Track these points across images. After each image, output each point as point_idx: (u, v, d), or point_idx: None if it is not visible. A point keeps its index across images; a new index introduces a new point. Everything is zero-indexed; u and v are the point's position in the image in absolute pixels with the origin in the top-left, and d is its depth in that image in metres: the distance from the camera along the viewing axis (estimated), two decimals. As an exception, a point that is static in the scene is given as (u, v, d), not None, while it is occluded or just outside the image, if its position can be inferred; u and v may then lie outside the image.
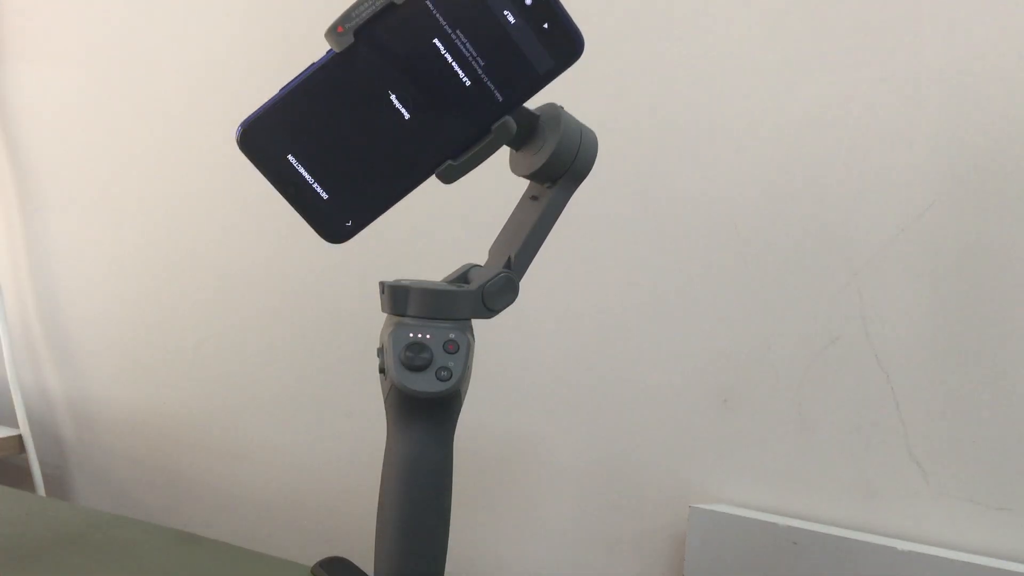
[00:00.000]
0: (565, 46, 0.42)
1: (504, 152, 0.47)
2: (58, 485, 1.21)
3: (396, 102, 0.42)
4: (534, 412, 0.84)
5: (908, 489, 0.68)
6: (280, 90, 0.42)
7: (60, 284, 1.17)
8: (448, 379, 0.44)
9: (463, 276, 0.49)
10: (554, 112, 0.47)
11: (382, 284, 0.47)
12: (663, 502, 0.78)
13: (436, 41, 0.41)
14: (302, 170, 0.42)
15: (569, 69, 0.43)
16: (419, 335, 0.44)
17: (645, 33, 0.75)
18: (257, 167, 0.42)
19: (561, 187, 0.47)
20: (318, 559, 0.71)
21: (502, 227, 0.51)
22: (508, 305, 0.47)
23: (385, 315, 0.48)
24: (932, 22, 0.65)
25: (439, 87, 0.42)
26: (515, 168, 0.49)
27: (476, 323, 0.47)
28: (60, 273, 1.17)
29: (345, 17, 0.41)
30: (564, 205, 0.48)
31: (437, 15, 0.41)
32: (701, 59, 0.73)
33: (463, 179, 0.44)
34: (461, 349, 0.45)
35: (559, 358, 0.82)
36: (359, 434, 0.95)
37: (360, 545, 0.71)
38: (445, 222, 0.86)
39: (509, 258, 0.47)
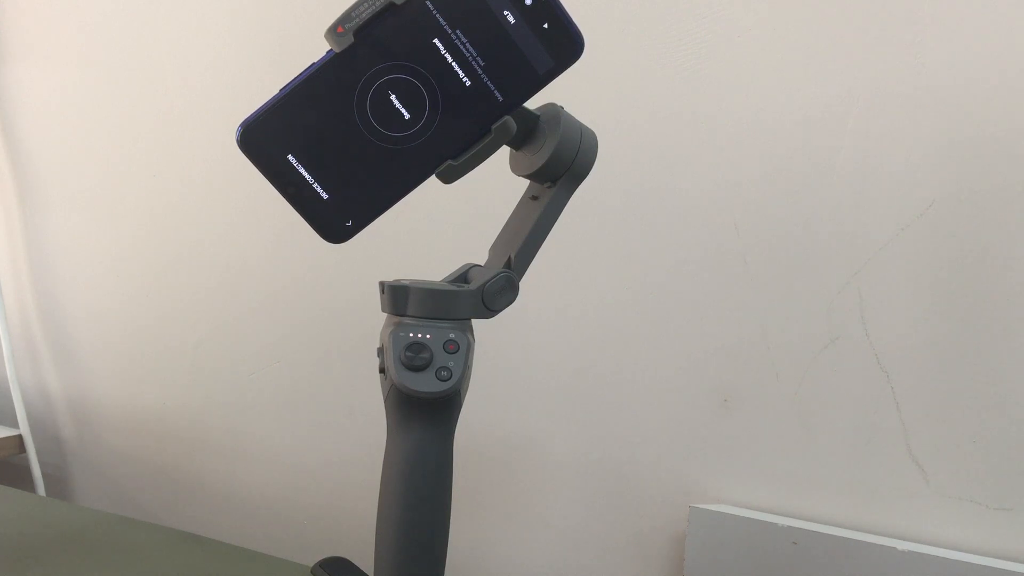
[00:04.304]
0: (565, 46, 0.42)
1: (504, 152, 0.47)
2: (58, 485, 1.21)
3: (396, 102, 0.42)
4: (534, 412, 0.84)
5: (908, 489, 0.68)
6: (280, 90, 0.42)
7: (60, 284, 1.17)
8: (448, 379, 0.44)
9: (463, 276, 0.49)
10: (554, 112, 0.47)
11: (382, 284, 0.47)
12: (663, 502, 0.78)
13: (436, 41, 0.41)
14: (302, 170, 0.42)
15: (569, 69, 0.43)
16: (419, 335, 0.44)
17: (645, 33, 0.75)
18: (257, 167, 0.42)
19: (561, 187, 0.47)
20: (318, 559, 0.71)
21: (502, 227, 0.51)
22: (508, 305, 0.47)
23: (385, 315, 0.48)
24: (932, 22, 0.65)
25: (439, 87, 0.42)
26: (515, 168, 0.49)
27: (476, 323, 0.47)
28: (60, 272, 1.17)
29: (345, 17, 0.41)
30: (564, 205, 0.48)
31: (437, 15, 0.41)
32: (701, 59, 0.73)
33: (463, 179, 0.44)
34: (461, 349, 0.44)
35: (559, 358, 0.82)
36: (359, 434, 0.95)
37: (360, 545, 0.71)
38: (445, 222, 0.86)
39: (509, 258, 0.47)
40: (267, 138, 0.42)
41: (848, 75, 0.68)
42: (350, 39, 0.41)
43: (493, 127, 0.43)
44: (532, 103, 0.45)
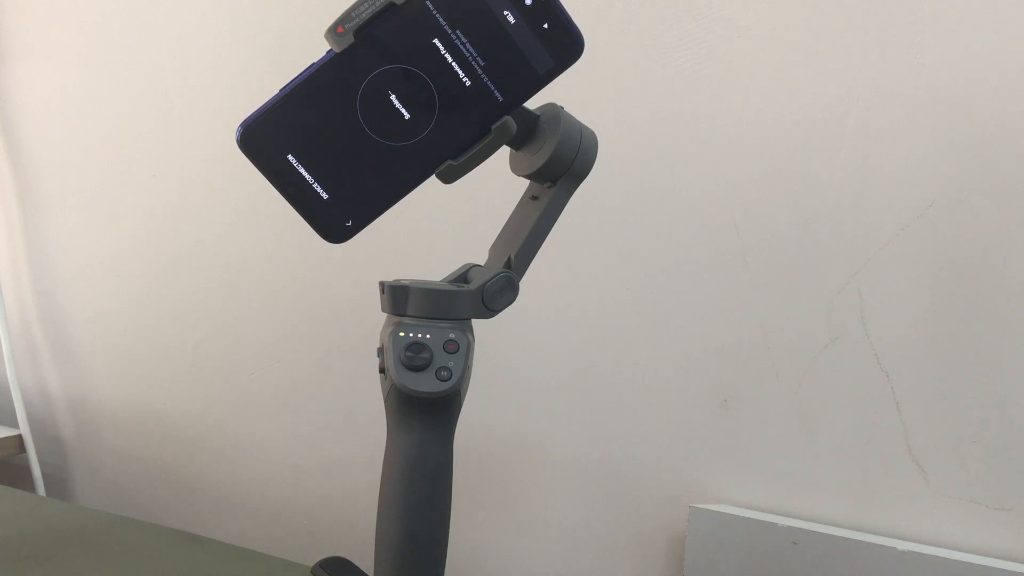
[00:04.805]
0: (565, 46, 0.42)
1: (504, 152, 0.47)
2: (58, 485, 1.21)
3: (396, 102, 0.42)
4: (534, 412, 0.84)
5: (908, 489, 0.68)
6: (280, 90, 0.42)
7: (60, 283, 1.17)
8: (448, 379, 0.44)
9: (463, 276, 0.49)
10: (554, 112, 0.47)
11: (382, 284, 0.47)
12: (663, 502, 0.78)
13: (436, 41, 0.41)
14: (302, 170, 0.42)
15: (569, 69, 0.43)
16: (419, 335, 0.44)
17: (645, 33, 0.75)
18: (257, 167, 0.42)
19: (561, 187, 0.47)
20: (318, 559, 0.71)
21: (502, 227, 0.51)
22: (508, 305, 0.47)
23: (385, 315, 0.48)
24: (932, 22, 0.65)
25: (439, 87, 0.42)
26: (515, 168, 0.49)
27: (476, 323, 0.47)
28: (60, 272, 1.17)
29: (345, 17, 0.41)
30: (564, 205, 0.48)
31: (437, 15, 0.41)
32: (701, 59, 0.73)
33: (463, 179, 0.44)
34: (461, 349, 0.44)
35: (559, 358, 0.82)
36: (359, 434, 0.95)
37: (360, 545, 0.71)
38: (445, 222, 0.86)
39: (509, 258, 0.47)
40: (267, 138, 0.42)
41: (848, 75, 0.68)
42: (350, 39, 0.41)
43: (493, 127, 0.43)
44: (532, 103, 0.45)
